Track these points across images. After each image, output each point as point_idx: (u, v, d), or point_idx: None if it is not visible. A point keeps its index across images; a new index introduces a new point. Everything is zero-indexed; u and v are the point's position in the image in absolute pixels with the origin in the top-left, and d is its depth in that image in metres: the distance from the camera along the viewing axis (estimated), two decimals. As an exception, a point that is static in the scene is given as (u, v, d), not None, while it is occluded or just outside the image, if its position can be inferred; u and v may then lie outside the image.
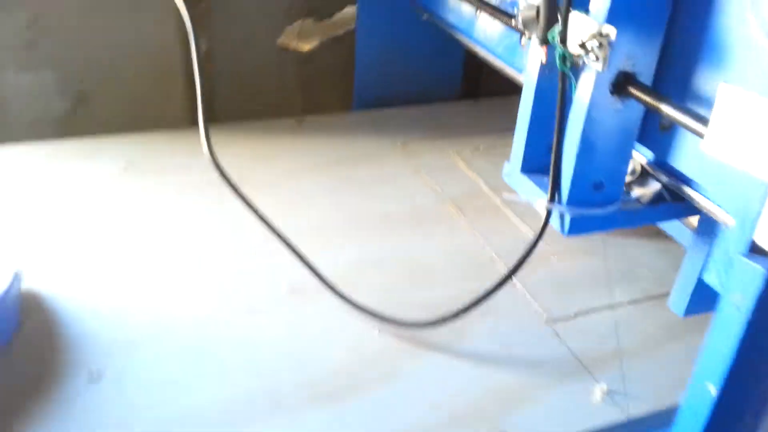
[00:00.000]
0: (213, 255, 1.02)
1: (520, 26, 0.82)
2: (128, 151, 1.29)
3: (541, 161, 0.90)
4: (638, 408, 0.81)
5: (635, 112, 0.76)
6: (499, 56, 1.13)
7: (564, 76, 0.76)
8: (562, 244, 1.07)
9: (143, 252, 1.02)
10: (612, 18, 0.70)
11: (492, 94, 1.69)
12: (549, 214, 0.83)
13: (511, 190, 1.01)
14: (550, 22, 0.76)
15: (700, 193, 0.77)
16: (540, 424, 0.78)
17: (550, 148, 0.89)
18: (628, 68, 0.73)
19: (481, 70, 1.69)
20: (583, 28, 0.72)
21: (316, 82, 1.67)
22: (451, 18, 1.25)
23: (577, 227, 0.82)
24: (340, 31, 1.64)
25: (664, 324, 0.93)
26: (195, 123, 1.57)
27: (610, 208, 0.82)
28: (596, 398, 0.84)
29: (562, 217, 0.83)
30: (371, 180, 1.27)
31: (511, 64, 1.09)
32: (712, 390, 0.64)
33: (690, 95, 0.73)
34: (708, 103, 0.69)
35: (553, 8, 0.75)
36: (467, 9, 1.18)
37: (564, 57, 0.74)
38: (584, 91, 0.74)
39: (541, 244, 1.06)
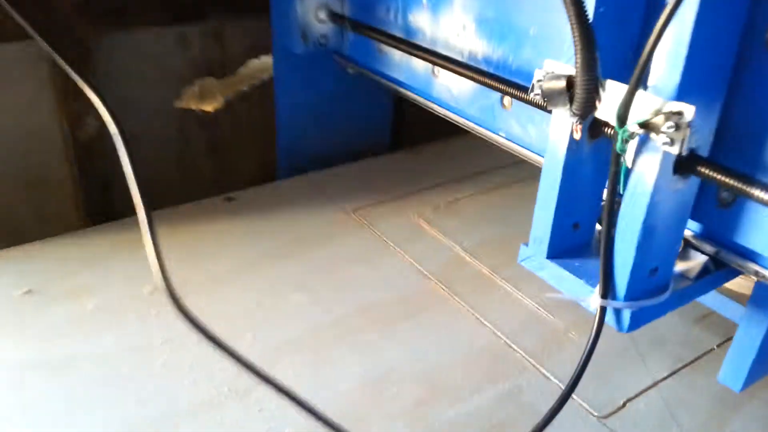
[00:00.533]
0: (173, 408, 0.80)
1: (537, 98, 0.71)
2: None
3: (565, 242, 0.79)
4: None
5: (692, 189, 0.68)
6: (470, 118, 1.01)
7: (618, 158, 0.66)
8: (573, 314, 0.98)
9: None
10: (682, 93, 0.60)
11: (414, 142, 1.58)
12: (604, 312, 0.72)
13: (517, 272, 0.85)
14: (589, 95, 0.65)
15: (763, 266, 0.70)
16: None
17: (575, 227, 0.80)
18: (692, 144, 0.63)
19: (404, 117, 1.58)
20: (644, 105, 0.61)
21: (228, 146, 1.46)
22: (398, 75, 1.11)
23: (636, 321, 0.72)
24: (245, 87, 1.46)
25: (716, 395, 0.86)
26: (91, 219, 1.31)
27: (666, 294, 0.73)
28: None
29: (618, 313, 0.72)
30: (337, 262, 1.09)
31: (488, 126, 0.98)
32: None
33: (755, 164, 0.65)
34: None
35: (593, 79, 0.65)
36: (420, 66, 1.05)
37: (625, 139, 0.63)
38: (648, 174, 0.64)
39: (553, 318, 0.95)
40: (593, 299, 0.71)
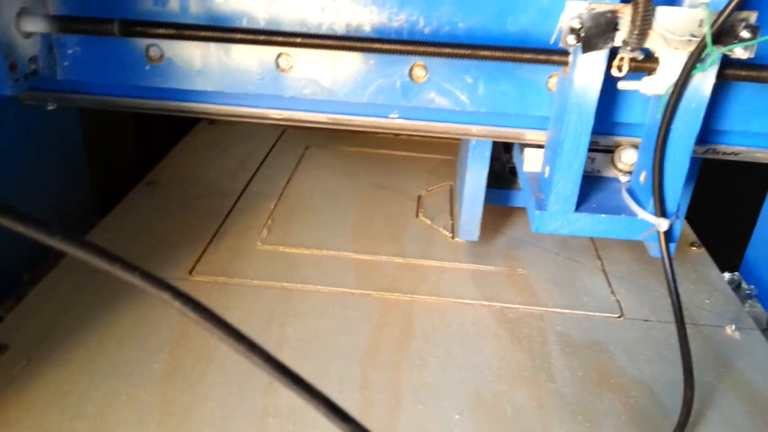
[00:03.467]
0: None
1: (572, 41, 0.60)
2: None
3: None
4: None
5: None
6: (353, 111, 0.76)
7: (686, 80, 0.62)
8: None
9: None
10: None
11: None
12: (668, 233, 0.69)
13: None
14: (648, 22, 0.59)
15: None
16: None
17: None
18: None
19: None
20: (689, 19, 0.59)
21: None
22: (201, 86, 0.72)
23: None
24: None
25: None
26: None
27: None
28: None
29: (671, 227, 0.70)
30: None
31: (382, 113, 0.76)
32: None
33: None
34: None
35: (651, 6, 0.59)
36: (253, 62, 0.71)
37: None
38: (706, 86, 0.63)
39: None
40: (662, 223, 0.68)
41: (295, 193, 1.12)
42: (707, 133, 0.74)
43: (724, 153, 0.78)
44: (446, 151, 1.27)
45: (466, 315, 0.85)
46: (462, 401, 0.71)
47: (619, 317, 0.87)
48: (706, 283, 0.95)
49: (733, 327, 0.85)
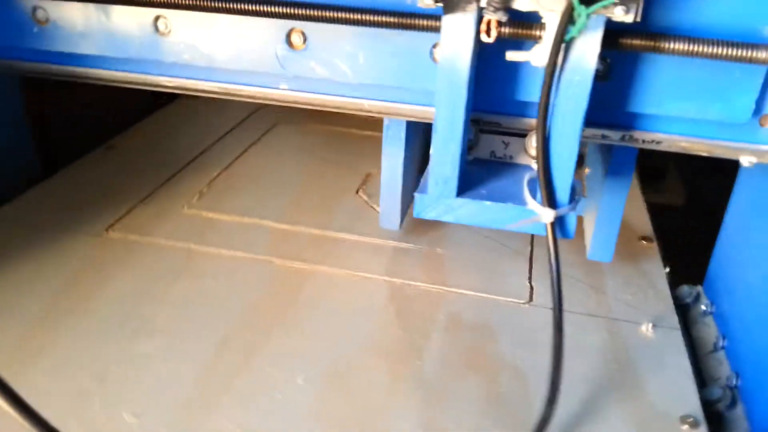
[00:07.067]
0: None
1: (428, 2, 0.56)
2: None
3: (464, 174, 0.68)
4: None
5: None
6: (233, 79, 0.76)
7: (556, 53, 0.56)
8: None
9: None
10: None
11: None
12: (553, 223, 0.64)
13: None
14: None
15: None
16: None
17: (462, 157, 0.68)
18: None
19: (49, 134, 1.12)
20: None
21: None
22: (82, 49, 0.75)
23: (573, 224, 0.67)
24: None
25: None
26: None
27: (581, 188, 0.69)
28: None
29: (563, 220, 0.65)
30: (139, 291, 0.73)
31: (267, 83, 0.75)
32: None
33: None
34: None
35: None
36: (132, 24, 0.72)
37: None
38: (589, 56, 0.57)
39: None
40: (546, 213, 0.62)
41: (244, 165, 1.13)
42: (619, 115, 0.68)
43: (644, 141, 0.72)
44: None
45: (363, 289, 0.83)
46: (314, 369, 0.69)
47: (525, 303, 0.82)
48: (641, 279, 0.88)
49: (650, 325, 0.78)
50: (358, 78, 0.70)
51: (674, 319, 0.80)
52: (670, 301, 0.84)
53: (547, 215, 0.62)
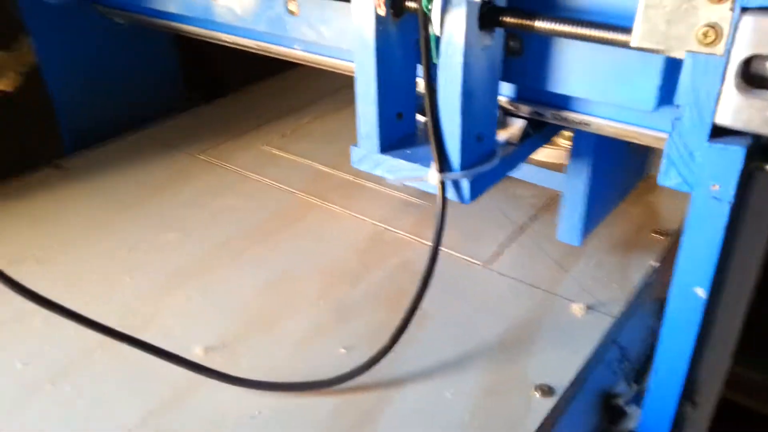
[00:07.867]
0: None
1: None
2: None
3: (393, 134, 0.77)
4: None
5: (499, 45, 0.68)
6: (263, 38, 0.95)
7: (426, 25, 0.64)
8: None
9: None
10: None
11: (225, 88, 1.45)
12: (444, 186, 0.71)
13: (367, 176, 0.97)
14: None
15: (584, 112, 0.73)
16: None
17: (399, 117, 0.78)
18: (490, -6, 0.63)
19: (204, 64, 1.45)
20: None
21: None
22: (173, 9, 1.01)
23: (476, 190, 0.73)
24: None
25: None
26: None
27: (496, 160, 0.74)
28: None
29: (457, 184, 0.72)
30: (199, 199, 1.04)
31: (283, 42, 0.92)
32: (701, 293, 0.61)
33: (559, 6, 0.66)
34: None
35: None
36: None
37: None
38: (457, 33, 0.63)
39: (422, 202, 0.94)
40: (431, 175, 0.70)
41: (328, 120, 1.32)
42: (542, 93, 0.71)
43: (574, 122, 0.74)
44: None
45: (349, 226, 0.97)
46: (269, 274, 0.87)
47: (480, 265, 0.88)
48: (615, 267, 0.87)
49: (583, 306, 0.79)
50: (336, 42, 0.84)
51: (617, 309, 0.79)
52: (631, 292, 0.82)
53: (433, 177, 0.70)
